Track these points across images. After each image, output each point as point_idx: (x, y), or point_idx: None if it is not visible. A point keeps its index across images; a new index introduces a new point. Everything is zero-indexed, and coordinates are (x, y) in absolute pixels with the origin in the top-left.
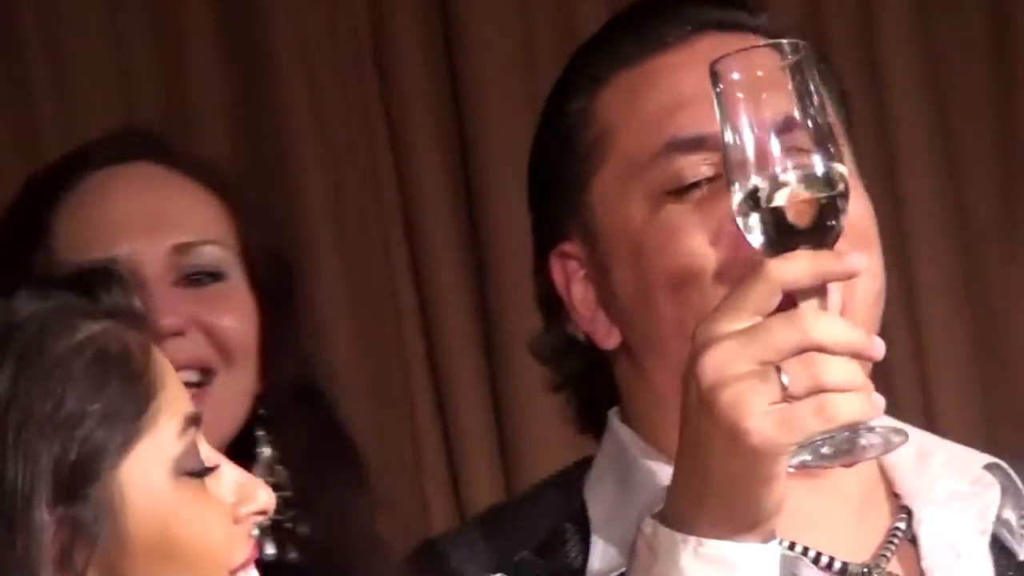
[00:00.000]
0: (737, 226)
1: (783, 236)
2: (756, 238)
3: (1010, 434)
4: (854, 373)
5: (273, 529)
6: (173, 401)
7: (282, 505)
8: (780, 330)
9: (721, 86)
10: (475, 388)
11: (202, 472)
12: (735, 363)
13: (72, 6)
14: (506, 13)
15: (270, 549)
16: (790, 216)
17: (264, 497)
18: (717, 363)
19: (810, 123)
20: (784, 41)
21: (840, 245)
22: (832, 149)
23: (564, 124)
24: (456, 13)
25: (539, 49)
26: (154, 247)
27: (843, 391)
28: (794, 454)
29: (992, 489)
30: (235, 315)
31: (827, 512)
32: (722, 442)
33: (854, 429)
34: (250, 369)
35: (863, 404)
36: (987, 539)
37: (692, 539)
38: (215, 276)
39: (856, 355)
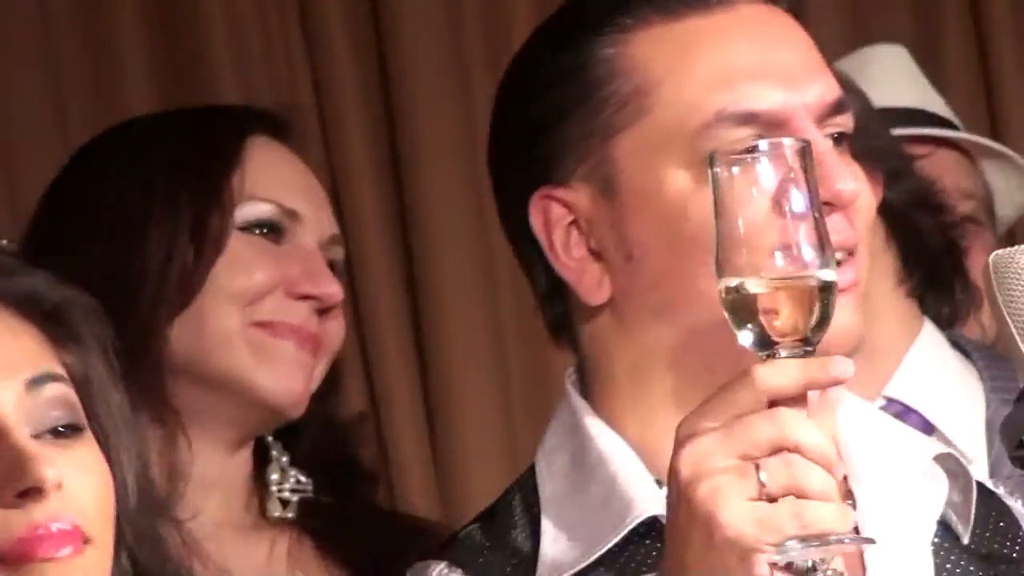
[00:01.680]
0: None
1: (769, 333)
2: (743, 335)
3: None
4: (830, 483)
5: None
6: None
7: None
8: (760, 426)
9: (719, 175)
10: (404, 368)
11: None
12: (714, 456)
13: None
14: None
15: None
16: (777, 314)
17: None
18: (696, 456)
19: (805, 222)
20: (786, 140)
21: (854, 217)
22: (824, 248)
23: (589, 68)
24: None
25: (467, 22)
26: None
27: (820, 499)
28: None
29: (940, 482)
30: None
31: None
32: (699, 536)
33: (826, 538)
34: None
35: (838, 516)
36: (932, 530)
37: None
38: None
39: (827, 467)
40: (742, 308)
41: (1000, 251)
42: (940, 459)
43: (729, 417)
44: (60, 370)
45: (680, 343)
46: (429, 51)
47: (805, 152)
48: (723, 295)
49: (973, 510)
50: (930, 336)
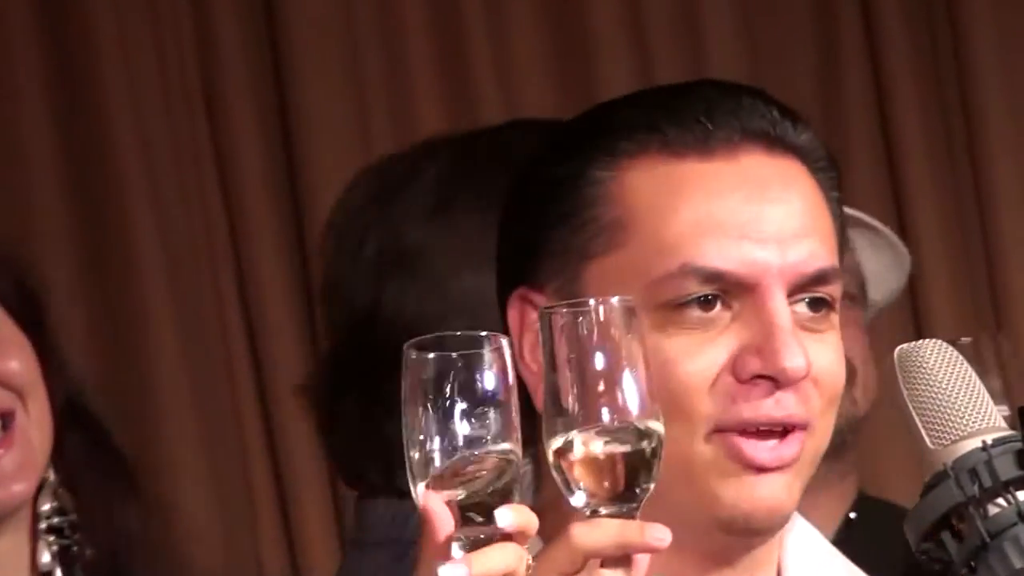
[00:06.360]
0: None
1: (592, 492)
2: (574, 496)
3: None
4: None
5: (61, 553)
6: None
7: (68, 528)
8: None
9: (549, 332)
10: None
11: None
12: None
13: None
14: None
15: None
16: (601, 473)
17: None
18: None
19: (631, 383)
20: (615, 299)
21: (810, 393)
22: (649, 408)
23: (581, 186)
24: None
25: (368, 92)
26: None
27: None
28: None
29: None
30: (15, 353)
31: None
32: None
33: None
34: (42, 398)
35: None
36: None
37: None
38: None
39: None
40: (567, 468)
41: (905, 345)
42: None
43: None
44: None
45: None
46: (334, 123)
47: (629, 311)
48: (551, 458)
49: None
50: None
